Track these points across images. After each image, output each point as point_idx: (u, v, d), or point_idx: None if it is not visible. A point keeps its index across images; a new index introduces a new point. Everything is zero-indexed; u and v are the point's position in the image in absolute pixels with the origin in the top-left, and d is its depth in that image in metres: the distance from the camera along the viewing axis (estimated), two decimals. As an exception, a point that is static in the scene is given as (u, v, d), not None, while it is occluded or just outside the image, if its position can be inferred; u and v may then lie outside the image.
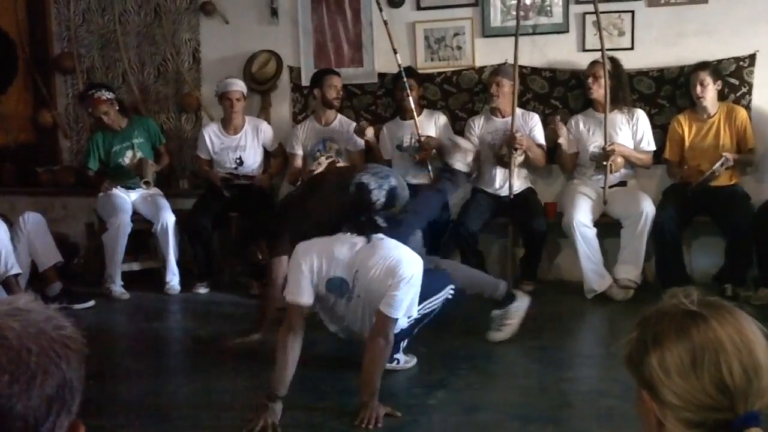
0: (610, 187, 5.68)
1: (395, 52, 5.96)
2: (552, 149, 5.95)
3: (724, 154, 5.46)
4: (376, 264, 3.60)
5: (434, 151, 5.90)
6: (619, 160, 5.66)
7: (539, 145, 5.91)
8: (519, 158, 5.78)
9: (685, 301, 1.37)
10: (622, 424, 3.32)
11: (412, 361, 4.29)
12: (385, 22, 6.01)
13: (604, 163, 5.60)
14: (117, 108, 6.26)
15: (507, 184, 5.80)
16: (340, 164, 5.91)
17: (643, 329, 1.39)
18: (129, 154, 6.29)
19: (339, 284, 3.68)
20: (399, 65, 5.97)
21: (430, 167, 5.89)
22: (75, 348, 1.11)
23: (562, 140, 5.82)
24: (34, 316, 1.10)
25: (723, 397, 1.28)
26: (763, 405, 1.30)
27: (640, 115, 5.83)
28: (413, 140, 5.96)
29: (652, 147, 5.81)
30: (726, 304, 1.39)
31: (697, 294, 1.39)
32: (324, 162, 5.79)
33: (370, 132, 6.05)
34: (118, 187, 6.22)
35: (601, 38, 5.58)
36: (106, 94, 6.19)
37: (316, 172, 5.77)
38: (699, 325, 1.32)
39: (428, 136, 5.95)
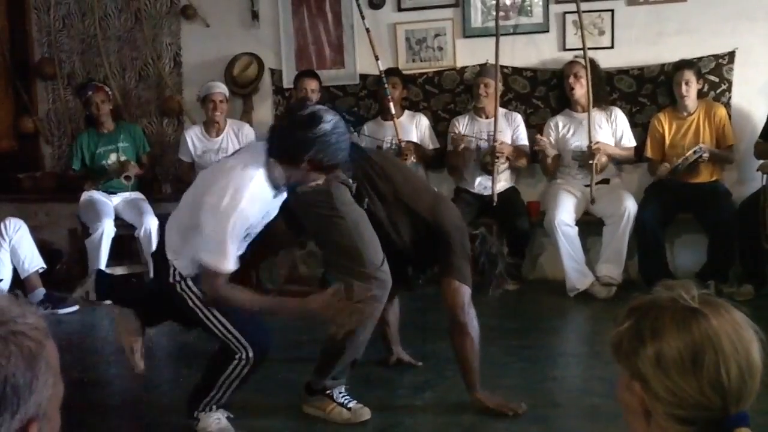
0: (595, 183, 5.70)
1: (377, 59, 5.97)
2: (535, 149, 5.96)
3: (700, 144, 5.50)
4: None
5: (413, 156, 5.90)
6: (604, 159, 5.68)
7: (522, 146, 5.94)
8: (502, 166, 5.80)
9: (685, 297, 1.34)
10: (607, 423, 3.33)
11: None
12: (368, 30, 6.01)
13: (590, 162, 5.61)
14: (111, 108, 6.38)
15: (489, 185, 5.82)
16: None
17: (638, 320, 1.35)
18: (113, 156, 6.30)
19: None
20: (380, 71, 5.97)
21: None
22: (28, 345, 1.09)
23: (549, 153, 5.84)
24: None
25: (717, 398, 1.28)
26: (750, 404, 1.30)
27: (618, 113, 5.86)
28: (393, 142, 5.97)
29: (633, 143, 5.84)
30: (722, 301, 1.36)
31: (695, 289, 1.35)
32: None
33: None
34: (100, 189, 6.21)
35: (582, 37, 5.61)
36: (107, 89, 6.41)
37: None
38: (700, 324, 1.29)
39: (408, 141, 5.95)
